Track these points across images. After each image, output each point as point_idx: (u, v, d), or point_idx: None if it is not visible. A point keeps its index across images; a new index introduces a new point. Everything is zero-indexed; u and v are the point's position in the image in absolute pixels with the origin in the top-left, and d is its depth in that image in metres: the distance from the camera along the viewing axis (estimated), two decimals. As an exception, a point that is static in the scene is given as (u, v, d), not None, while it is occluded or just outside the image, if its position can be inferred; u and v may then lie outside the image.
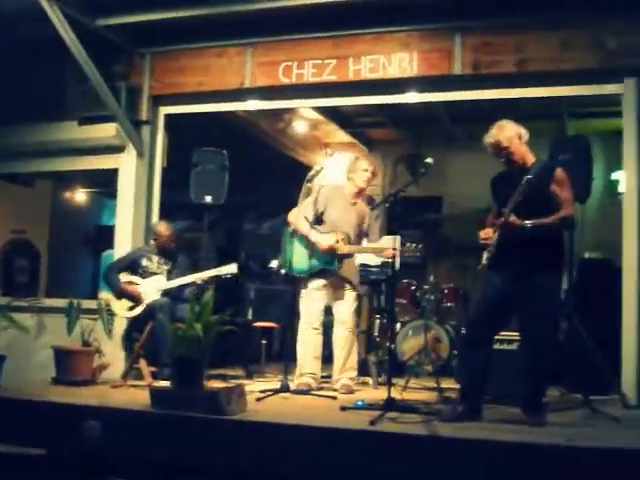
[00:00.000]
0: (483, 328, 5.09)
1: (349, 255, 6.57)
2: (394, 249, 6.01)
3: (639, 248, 6.16)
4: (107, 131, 7.60)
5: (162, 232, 7.22)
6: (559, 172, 4.98)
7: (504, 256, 4.93)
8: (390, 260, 6.07)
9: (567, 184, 4.97)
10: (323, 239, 6.45)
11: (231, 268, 6.94)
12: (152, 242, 7.34)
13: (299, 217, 6.52)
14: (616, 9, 6.15)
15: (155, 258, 7.19)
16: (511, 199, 4.90)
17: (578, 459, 4.10)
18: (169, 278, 7.07)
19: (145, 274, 7.07)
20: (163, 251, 7.22)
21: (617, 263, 6.51)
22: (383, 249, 6.37)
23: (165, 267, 7.17)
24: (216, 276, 6.88)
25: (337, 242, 6.46)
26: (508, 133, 5.04)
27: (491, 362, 5.17)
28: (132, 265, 7.12)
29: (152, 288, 6.97)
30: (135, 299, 6.93)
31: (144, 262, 7.13)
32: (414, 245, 6.01)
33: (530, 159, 5.09)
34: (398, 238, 5.96)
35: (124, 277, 7.02)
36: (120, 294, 6.95)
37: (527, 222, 4.85)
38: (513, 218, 4.87)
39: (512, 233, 4.88)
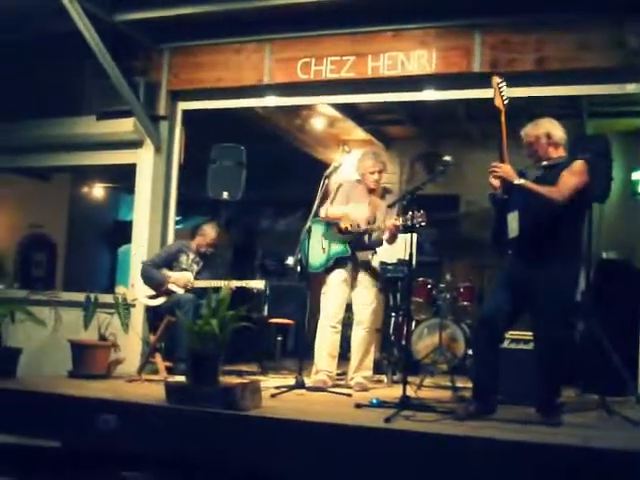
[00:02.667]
0: (494, 324, 5.08)
1: (362, 246, 6.59)
2: (396, 219, 6.14)
3: (658, 249, 6.13)
4: (125, 126, 7.63)
5: (209, 233, 7.31)
6: (578, 162, 4.96)
7: (519, 251, 4.96)
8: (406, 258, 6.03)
9: (579, 175, 4.91)
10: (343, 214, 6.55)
11: (259, 284, 7.11)
12: (193, 240, 7.40)
13: (329, 208, 6.58)
14: (636, 8, 6.11)
15: (191, 255, 7.25)
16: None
17: (594, 460, 4.07)
18: (197, 278, 7.12)
19: (176, 268, 7.12)
20: (200, 252, 7.27)
21: (635, 264, 6.47)
22: (385, 225, 6.36)
23: (195, 267, 7.23)
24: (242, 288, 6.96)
25: (346, 229, 6.52)
26: (537, 130, 5.10)
27: (506, 361, 5.17)
28: (169, 261, 7.17)
29: (178, 282, 7.01)
30: (164, 293, 6.99)
31: (182, 257, 7.21)
32: (416, 212, 5.92)
33: (555, 155, 5.09)
34: (394, 210, 6.21)
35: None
36: (162, 287, 7.01)
37: (520, 179, 4.91)
38: (506, 166, 4.98)
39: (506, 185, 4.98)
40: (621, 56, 6.24)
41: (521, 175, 4.98)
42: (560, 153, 5.13)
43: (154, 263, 7.16)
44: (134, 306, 7.07)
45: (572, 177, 4.91)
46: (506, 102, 5.13)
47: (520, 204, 4.98)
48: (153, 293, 7.01)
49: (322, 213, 6.52)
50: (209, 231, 7.32)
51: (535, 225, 4.91)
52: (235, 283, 6.92)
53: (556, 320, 4.92)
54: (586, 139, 7.01)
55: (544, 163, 5.09)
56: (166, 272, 7.07)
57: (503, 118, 5.09)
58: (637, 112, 6.69)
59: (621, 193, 8.97)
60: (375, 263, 6.74)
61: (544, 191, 4.88)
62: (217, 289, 6.77)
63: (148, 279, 7.08)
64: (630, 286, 6.39)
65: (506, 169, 4.95)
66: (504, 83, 5.15)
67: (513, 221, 5.01)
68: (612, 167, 6.30)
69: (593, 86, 6.67)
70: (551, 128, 5.11)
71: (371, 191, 6.68)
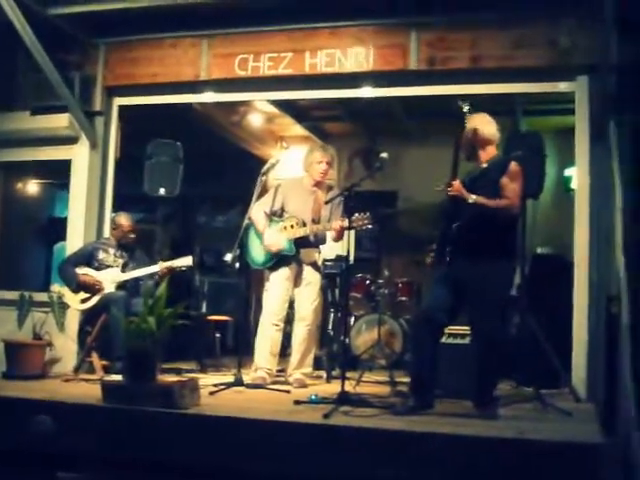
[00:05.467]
0: (434, 320, 5.14)
1: (307, 244, 6.59)
2: (342, 221, 6.17)
3: (590, 244, 6.24)
4: (60, 122, 7.51)
5: (122, 223, 7.14)
6: (513, 165, 5.06)
7: (455, 247, 5.02)
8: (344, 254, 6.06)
9: (518, 178, 5.04)
10: (271, 242, 6.50)
11: (186, 260, 6.90)
12: (111, 233, 7.29)
13: (257, 212, 6.54)
14: (569, 8, 6.22)
15: (112, 251, 7.11)
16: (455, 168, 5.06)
17: (529, 452, 4.15)
18: (124, 271, 7.01)
19: (101, 267, 6.99)
20: (121, 243, 7.15)
21: (569, 259, 6.59)
22: (331, 226, 6.38)
23: (121, 260, 7.10)
24: (171, 269, 6.83)
25: (292, 227, 6.50)
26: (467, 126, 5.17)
27: (443, 356, 5.24)
28: (88, 258, 7.03)
29: (107, 280, 6.90)
30: (94, 289, 6.84)
31: (100, 255, 7.04)
32: (362, 214, 5.98)
33: (486, 155, 5.16)
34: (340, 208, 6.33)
35: (79, 270, 6.93)
36: (78, 287, 6.85)
37: (472, 196, 4.93)
38: (458, 184, 4.97)
39: (457, 203, 5.01)
40: (554, 55, 6.35)
41: (464, 186, 5.01)
42: (490, 151, 5.21)
43: (68, 262, 7.07)
44: (69, 305, 6.96)
45: (513, 182, 5.01)
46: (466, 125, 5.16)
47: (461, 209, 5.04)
48: (84, 297, 6.90)
49: (249, 213, 6.48)
50: (122, 221, 7.17)
51: (473, 223, 4.97)
52: (160, 266, 6.86)
53: (492, 316, 5.01)
54: (520, 136, 7.11)
55: (483, 165, 5.15)
56: (84, 270, 6.97)
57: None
58: (569, 110, 6.79)
59: (554, 189, 9.11)
60: (319, 261, 6.75)
61: (498, 205, 4.94)
62: (153, 276, 6.76)
63: (62, 278, 7.00)
64: (563, 280, 6.50)
65: (458, 188, 4.97)
66: (468, 110, 5.17)
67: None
68: (545, 163, 6.40)
69: (527, 84, 6.76)
70: (479, 124, 5.18)
71: (317, 184, 6.68)
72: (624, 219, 5.87)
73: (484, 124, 5.20)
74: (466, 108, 5.10)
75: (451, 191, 4.98)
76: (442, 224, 5.16)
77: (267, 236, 6.51)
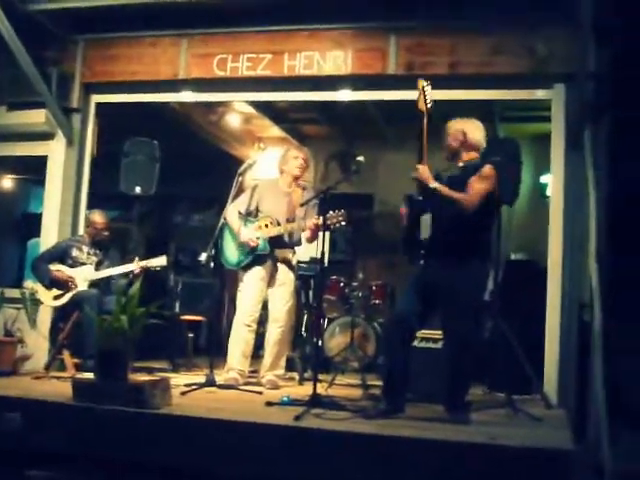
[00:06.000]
0: (406, 324, 5.14)
1: (282, 244, 6.59)
2: (316, 219, 6.17)
3: (563, 251, 6.29)
4: (36, 117, 7.47)
5: (96, 220, 7.11)
6: (487, 168, 5.07)
7: (430, 252, 5.03)
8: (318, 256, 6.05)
9: (487, 181, 5.03)
10: (248, 237, 6.49)
11: (160, 260, 6.88)
12: (85, 231, 7.25)
13: (232, 212, 6.53)
14: (547, 16, 6.26)
15: (85, 249, 7.07)
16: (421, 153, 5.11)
17: (500, 458, 4.16)
18: (97, 269, 6.97)
19: (74, 264, 6.95)
20: (95, 241, 7.11)
21: (542, 264, 6.63)
22: (305, 224, 6.39)
23: (94, 258, 7.06)
24: (145, 268, 6.81)
25: (266, 226, 6.50)
26: (456, 125, 5.26)
27: (415, 360, 5.25)
28: (62, 255, 6.99)
29: (80, 278, 6.86)
30: (67, 286, 6.80)
31: (74, 252, 7.01)
32: (337, 211, 5.98)
33: (467, 158, 5.19)
34: (315, 209, 6.34)
35: (53, 267, 6.89)
36: (51, 283, 6.81)
37: (435, 183, 4.99)
38: (423, 168, 5.03)
39: (424, 191, 5.05)
40: (532, 63, 6.39)
41: (436, 178, 5.05)
42: (472, 156, 5.23)
43: (42, 258, 7.03)
44: (42, 302, 6.91)
45: (480, 183, 5.01)
46: (430, 105, 5.18)
47: (434, 206, 5.05)
48: (57, 293, 6.86)
49: (224, 213, 6.48)
50: (96, 218, 7.13)
51: (446, 227, 5.00)
52: (135, 265, 6.83)
53: (464, 320, 5.02)
54: (497, 142, 7.13)
55: (460, 164, 5.19)
56: (57, 267, 6.92)
57: (425, 121, 5.15)
58: (546, 117, 6.85)
59: (530, 196, 9.17)
60: (294, 261, 6.75)
61: (456, 197, 4.96)
62: (126, 274, 6.73)
63: (35, 275, 6.96)
64: (536, 285, 6.54)
65: (423, 171, 5.00)
66: (429, 87, 5.21)
67: (426, 223, 5.08)
68: (521, 170, 6.43)
69: (505, 91, 6.81)
70: (469, 129, 5.23)
71: (295, 180, 6.69)
72: (598, 226, 5.92)
73: (474, 130, 5.25)
74: (427, 86, 5.16)
75: (415, 173, 5.01)
76: (409, 212, 5.19)
77: (243, 234, 6.51)
